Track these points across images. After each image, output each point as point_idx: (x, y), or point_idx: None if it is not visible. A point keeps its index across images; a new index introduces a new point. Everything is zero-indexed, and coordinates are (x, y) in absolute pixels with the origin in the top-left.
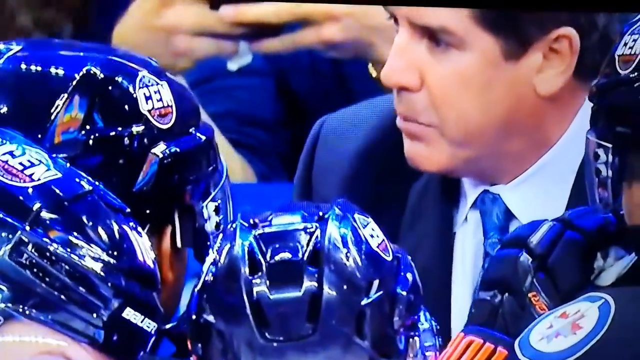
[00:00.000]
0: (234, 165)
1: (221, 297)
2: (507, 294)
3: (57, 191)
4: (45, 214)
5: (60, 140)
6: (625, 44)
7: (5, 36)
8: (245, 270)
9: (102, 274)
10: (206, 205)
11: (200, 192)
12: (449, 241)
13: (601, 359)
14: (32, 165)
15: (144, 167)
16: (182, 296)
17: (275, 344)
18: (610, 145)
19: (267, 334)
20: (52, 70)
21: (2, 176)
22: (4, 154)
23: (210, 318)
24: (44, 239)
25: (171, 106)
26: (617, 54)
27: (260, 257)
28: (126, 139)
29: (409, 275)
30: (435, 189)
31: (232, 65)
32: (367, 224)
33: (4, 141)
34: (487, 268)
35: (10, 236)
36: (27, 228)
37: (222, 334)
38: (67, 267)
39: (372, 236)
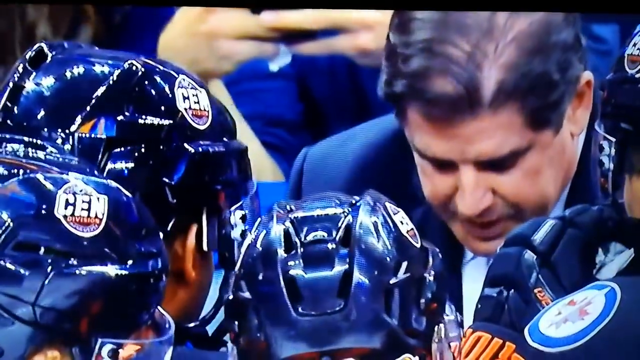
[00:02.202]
0: (265, 166)
1: (258, 275)
2: (512, 290)
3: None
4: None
5: (98, 125)
6: (635, 45)
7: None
8: (281, 249)
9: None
10: (233, 212)
11: (229, 198)
12: (458, 274)
13: (608, 343)
14: (90, 201)
15: (175, 159)
16: (205, 299)
17: (307, 318)
18: (613, 140)
19: (300, 309)
20: (98, 62)
21: (76, 229)
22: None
23: (247, 295)
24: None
25: (207, 111)
26: (627, 52)
27: (295, 237)
28: (161, 130)
29: (437, 264)
30: (437, 221)
31: (273, 67)
32: (398, 212)
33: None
34: (492, 266)
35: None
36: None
37: (257, 310)
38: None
39: (402, 223)
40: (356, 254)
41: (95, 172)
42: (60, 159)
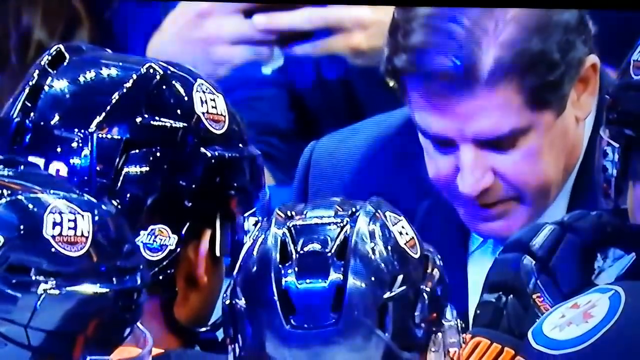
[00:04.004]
0: None
1: (252, 283)
2: (511, 296)
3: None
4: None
5: (116, 127)
6: None
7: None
8: (276, 258)
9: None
10: (247, 218)
11: (243, 204)
12: (464, 263)
13: (612, 346)
14: (75, 220)
15: (192, 163)
16: (216, 304)
17: (299, 331)
18: (617, 145)
19: (292, 321)
20: (116, 64)
21: (64, 249)
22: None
23: (242, 302)
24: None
25: (225, 116)
26: (633, 59)
27: (291, 247)
28: (177, 133)
29: (436, 273)
30: (445, 210)
31: (266, 70)
32: (398, 221)
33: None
34: (490, 271)
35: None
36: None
37: (251, 319)
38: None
39: (401, 233)
40: (350, 267)
41: (72, 189)
42: (40, 177)
